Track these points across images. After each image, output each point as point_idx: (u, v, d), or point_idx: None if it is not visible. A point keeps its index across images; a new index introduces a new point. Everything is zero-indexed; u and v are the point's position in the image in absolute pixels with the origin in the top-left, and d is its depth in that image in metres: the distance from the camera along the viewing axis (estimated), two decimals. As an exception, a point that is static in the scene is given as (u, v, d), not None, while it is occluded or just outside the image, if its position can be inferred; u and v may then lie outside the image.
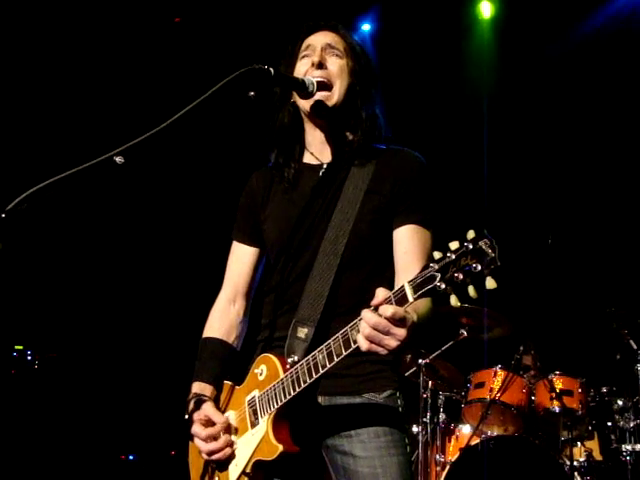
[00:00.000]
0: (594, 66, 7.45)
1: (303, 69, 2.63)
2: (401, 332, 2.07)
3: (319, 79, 2.58)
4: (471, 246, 1.94)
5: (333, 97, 2.60)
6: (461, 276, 1.94)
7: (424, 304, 2.29)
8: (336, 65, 2.63)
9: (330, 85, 2.60)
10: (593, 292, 7.02)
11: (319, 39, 2.68)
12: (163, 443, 7.45)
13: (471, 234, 1.96)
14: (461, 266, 1.94)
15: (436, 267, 1.99)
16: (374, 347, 2.10)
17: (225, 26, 7.45)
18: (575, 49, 7.51)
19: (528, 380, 5.93)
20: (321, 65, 2.60)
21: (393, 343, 2.09)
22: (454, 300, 1.97)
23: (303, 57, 2.67)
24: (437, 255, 2.00)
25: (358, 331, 2.13)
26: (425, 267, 2.02)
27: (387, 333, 2.07)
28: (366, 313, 2.08)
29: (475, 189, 7.44)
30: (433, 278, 1.99)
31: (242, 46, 7.22)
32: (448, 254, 1.97)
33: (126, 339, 7.80)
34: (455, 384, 6.18)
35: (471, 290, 1.94)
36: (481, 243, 1.93)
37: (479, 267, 1.91)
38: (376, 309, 2.08)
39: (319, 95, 2.58)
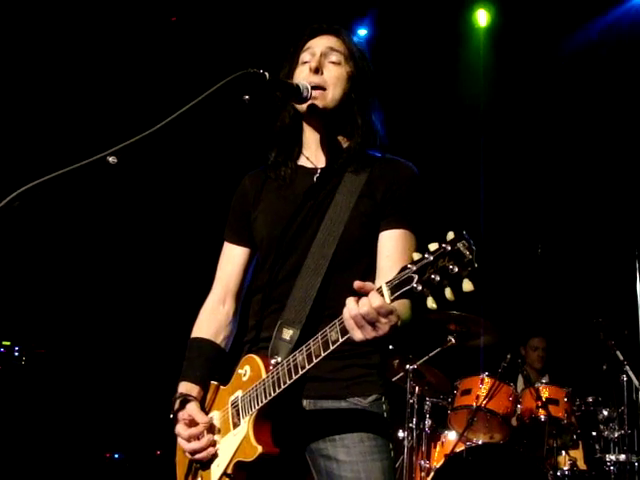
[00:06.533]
0: (590, 75, 7.48)
1: (301, 75, 2.64)
2: (385, 327, 2.06)
3: (314, 84, 2.60)
4: (449, 248, 1.92)
5: (327, 98, 2.62)
6: (438, 278, 1.92)
7: (404, 307, 2.28)
8: (333, 72, 2.64)
9: (325, 88, 2.62)
10: (581, 302, 7.05)
11: (320, 43, 2.69)
12: (149, 442, 7.44)
13: (450, 235, 1.94)
14: (438, 268, 1.92)
15: (414, 268, 1.97)
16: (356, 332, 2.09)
17: (221, 27, 7.45)
18: (572, 58, 7.54)
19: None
20: (317, 70, 2.62)
21: (372, 334, 2.07)
22: (430, 302, 1.94)
23: (303, 63, 2.68)
24: (416, 256, 1.99)
25: (337, 332, 2.13)
26: (403, 268, 2.00)
27: (373, 324, 2.06)
28: (351, 302, 2.06)
29: (471, 199, 7.46)
30: (410, 279, 1.97)
31: (238, 47, 7.23)
32: (426, 255, 1.96)
33: (114, 337, 7.79)
34: (442, 390, 6.20)
35: (448, 292, 1.92)
36: (459, 245, 1.91)
37: (456, 269, 1.89)
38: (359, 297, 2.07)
39: (313, 94, 2.59)
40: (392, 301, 2.03)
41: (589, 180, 7.59)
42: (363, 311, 2.04)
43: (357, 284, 2.09)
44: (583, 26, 7.58)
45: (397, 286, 2.01)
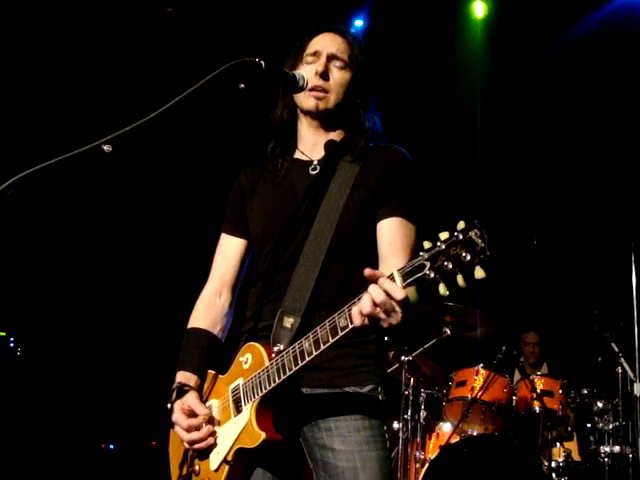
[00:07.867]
0: (587, 67, 7.48)
1: (307, 75, 2.65)
2: (399, 315, 2.10)
3: (319, 88, 2.63)
4: (461, 236, 1.97)
5: (329, 101, 2.65)
6: (450, 265, 1.96)
7: (412, 291, 2.30)
8: (337, 76, 2.67)
9: (328, 91, 2.65)
10: (576, 294, 7.06)
11: (326, 44, 2.70)
12: (144, 433, 7.44)
13: (461, 224, 1.99)
14: (451, 255, 1.97)
15: (426, 256, 2.01)
16: (367, 322, 2.12)
17: (217, 17, 7.43)
18: (568, 50, 7.54)
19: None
20: (324, 75, 2.65)
21: (386, 324, 2.12)
22: (442, 289, 1.99)
23: (309, 62, 2.69)
24: (427, 245, 2.03)
25: (346, 318, 2.16)
26: (415, 256, 2.05)
27: (388, 313, 2.09)
28: (374, 289, 2.08)
29: (467, 190, 7.46)
30: (422, 267, 2.01)
31: (235, 37, 7.20)
32: (438, 244, 2.00)
33: (110, 328, 7.79)
34: (437, 382, 6.21)
35: (460, 279, 1.96)
36: (471, 233, 1.96)
37: (468, 257, 1.94)
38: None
39: (315, 94, 2.63)
40: (404, 287, 2.06)
41: (585, 172, 7.59)
42: (380, 300, 2.06)
43: (367, 272, 2.12)
44: (580, 18, 7.57)
45: (409, 273, 2.05)
